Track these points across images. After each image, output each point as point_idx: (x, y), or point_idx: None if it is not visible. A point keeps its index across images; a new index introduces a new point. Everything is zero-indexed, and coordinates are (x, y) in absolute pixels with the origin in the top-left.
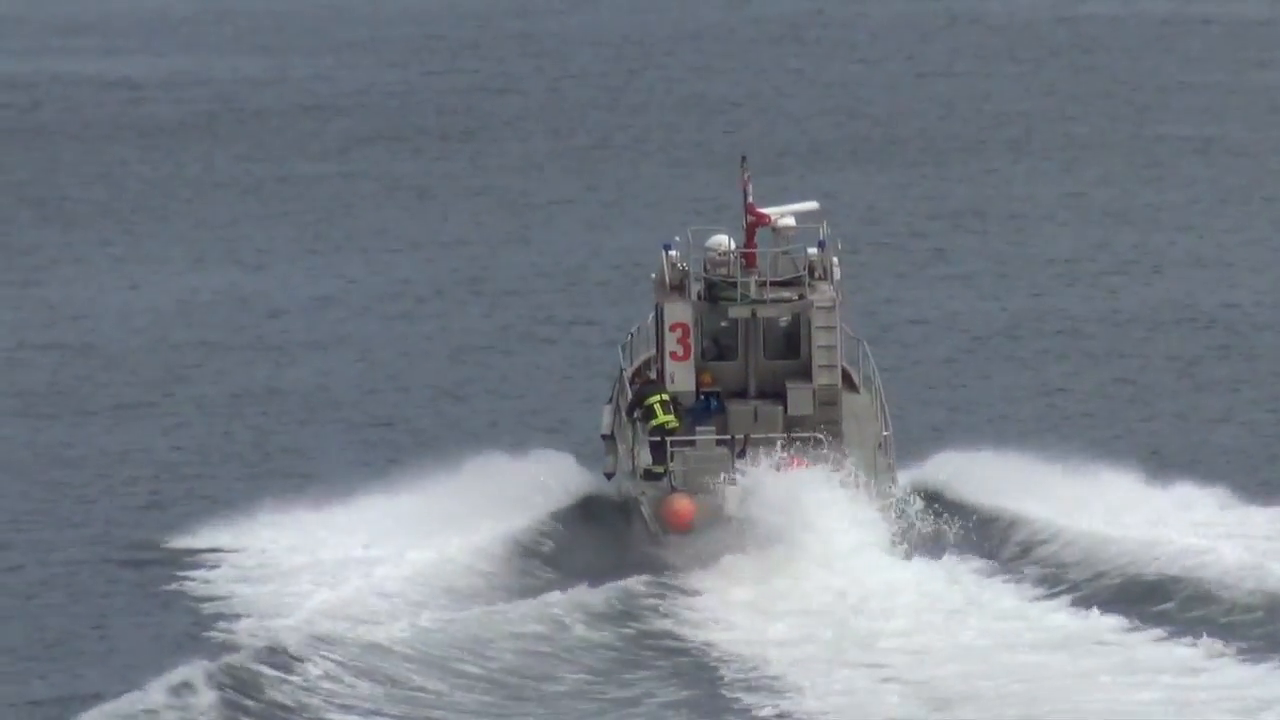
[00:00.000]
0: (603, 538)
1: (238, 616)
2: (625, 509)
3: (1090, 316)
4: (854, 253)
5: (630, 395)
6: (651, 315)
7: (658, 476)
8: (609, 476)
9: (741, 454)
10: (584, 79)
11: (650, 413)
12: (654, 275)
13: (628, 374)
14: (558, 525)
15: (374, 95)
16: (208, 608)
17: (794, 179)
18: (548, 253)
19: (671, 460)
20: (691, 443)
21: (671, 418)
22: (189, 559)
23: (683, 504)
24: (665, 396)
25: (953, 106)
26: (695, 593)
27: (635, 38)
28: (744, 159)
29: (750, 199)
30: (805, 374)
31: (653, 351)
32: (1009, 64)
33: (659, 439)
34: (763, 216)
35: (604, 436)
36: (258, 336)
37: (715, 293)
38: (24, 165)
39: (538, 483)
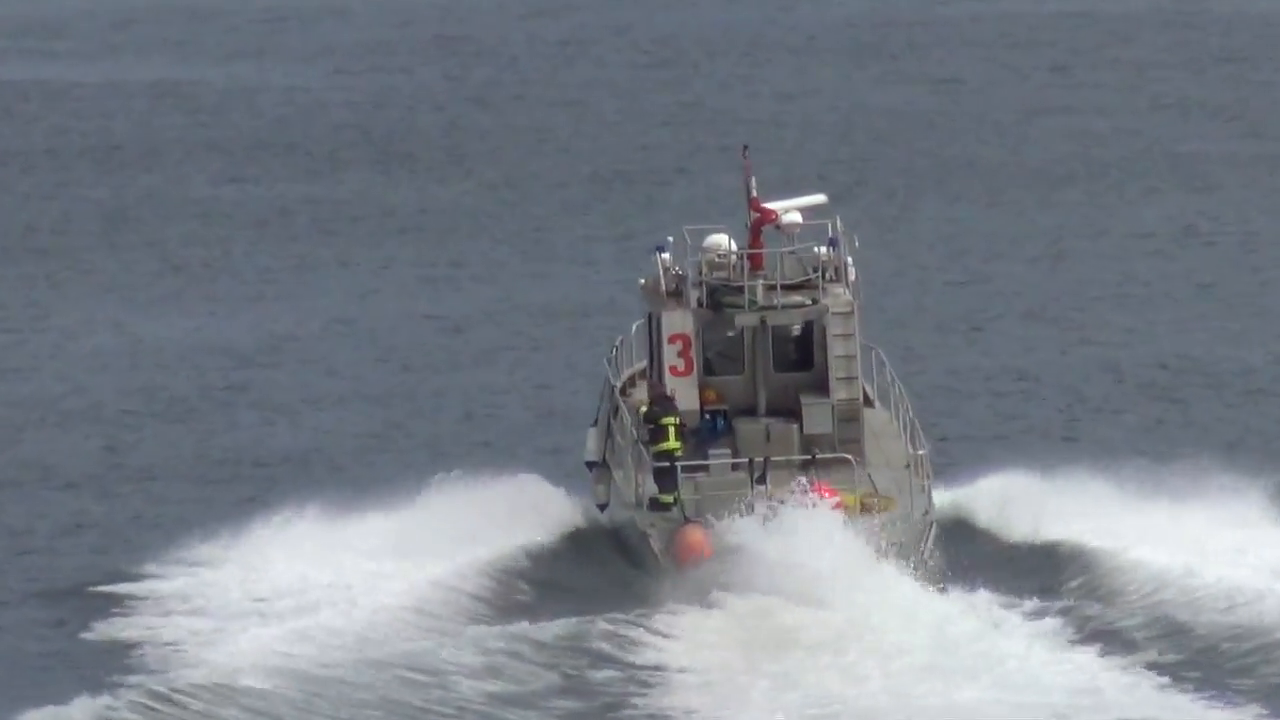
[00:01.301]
0: (597, 574)
1: (176, 647)
2: (623, 542)
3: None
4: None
5: (641, 409)
6: (636, 325)
7: (665, 506)
8: (601, 508)
9: (760, 479)
10: (608, 87)
11: (662, 434)
12: (643, 281)
13: (618, 391)
14: (540, 560)
15: (362, 107)
16: (143, 643)
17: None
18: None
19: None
20: (705, 468)
21: (679, 444)
22: (133, 594)
23: (696, 536)
24: (677, 420)
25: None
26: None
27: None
28: (745, 148)
29: (754, 193)
30: (820, 387)
31: (641, 365)
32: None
33: (666, 464)
34: (768, 213)
35: (590, 463)
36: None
37: (718, 299)
38: None
39: (516, 511)
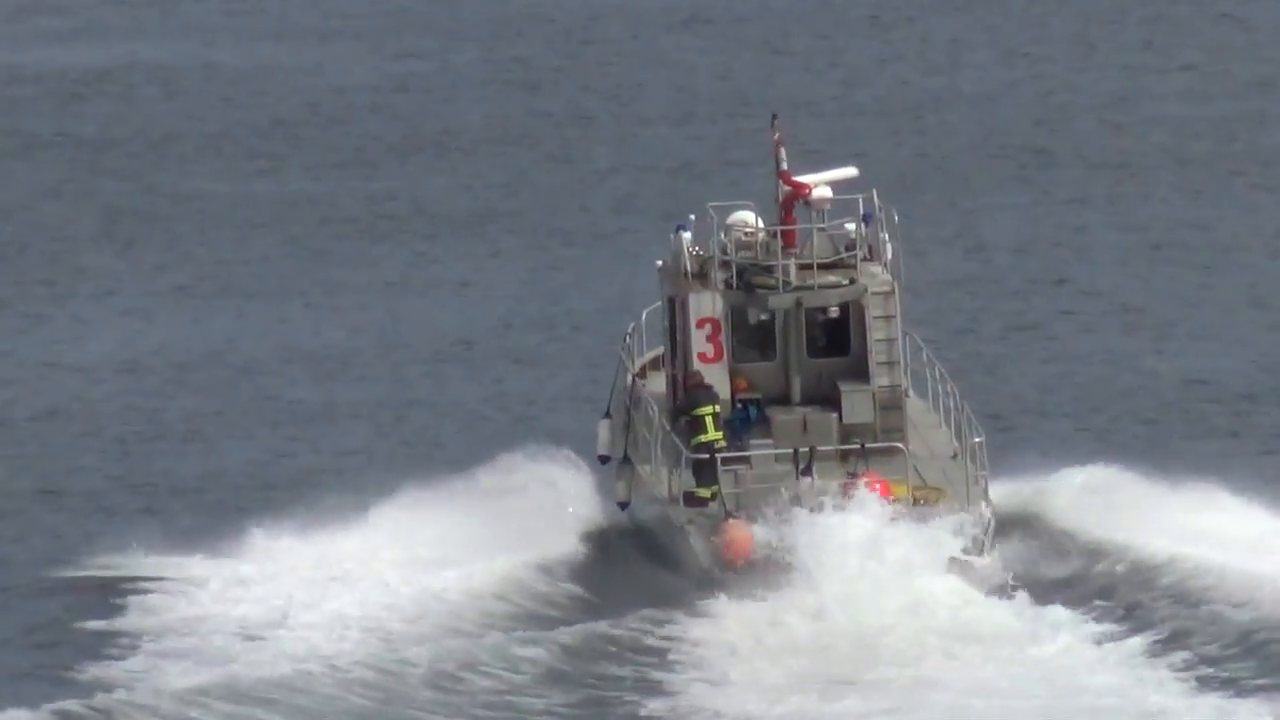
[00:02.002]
0: (624, 579)
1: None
2: (652, 541)
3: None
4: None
5: (676, 398)
6: (647, 311)
7: (702, 501)
8: (622, 506)
9: (806, 471)
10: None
11: (700, 425)
12: (661, 262)
13: (636, 377)
14: (565, 564)
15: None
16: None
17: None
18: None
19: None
20: (745, 459)
21: (720, 434)
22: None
23: (740, 533)
24: (716, 408)
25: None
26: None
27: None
28: (774, 117)
29: (784, 165)
30: (858, 373)
31: (656, 352)
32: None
33: (706, 456)
34: (801, 187)
35: (602, 457)
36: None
37: (748, 279)
38: None
39: (536, 512)
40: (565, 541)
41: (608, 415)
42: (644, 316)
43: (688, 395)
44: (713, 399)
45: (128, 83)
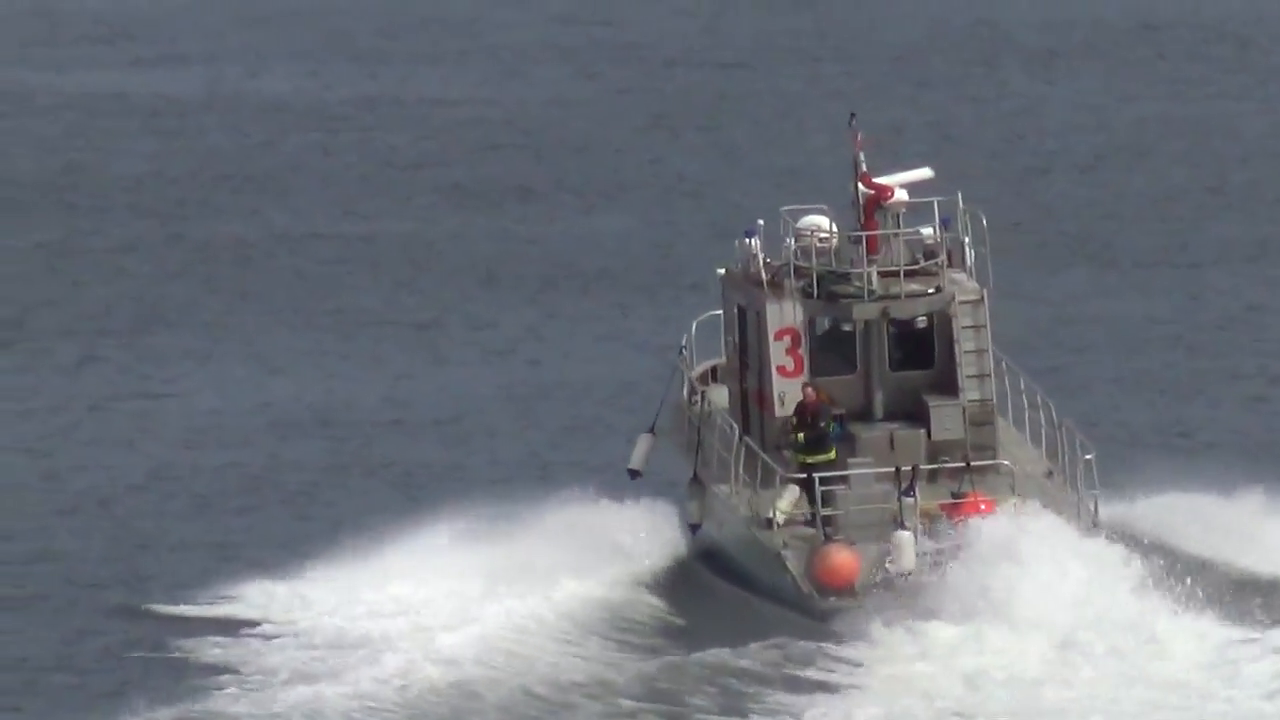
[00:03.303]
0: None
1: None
2: (734, 565)
3: None
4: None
5: (748, 411)
6: (696, 321)
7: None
8: (694, 529)
9: (908, 491)
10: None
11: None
12: (724, 270)
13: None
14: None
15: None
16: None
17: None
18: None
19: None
20: (844, 479)
21: (833, 454)
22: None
23: (843, 556)
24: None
25: None
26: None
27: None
28: (853, 116)
29: (864, 168)
30: (944, 387)
31: (710, 363)
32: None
33: (806, 477)
34: (883, 190)
35: (632, 472)
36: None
37: (829, 288)
38: None
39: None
40: (639, 568)
41: (651, 430)
42: (693, 327)
43: (800, 414)
44: (823, 416)
45: (225, 115)
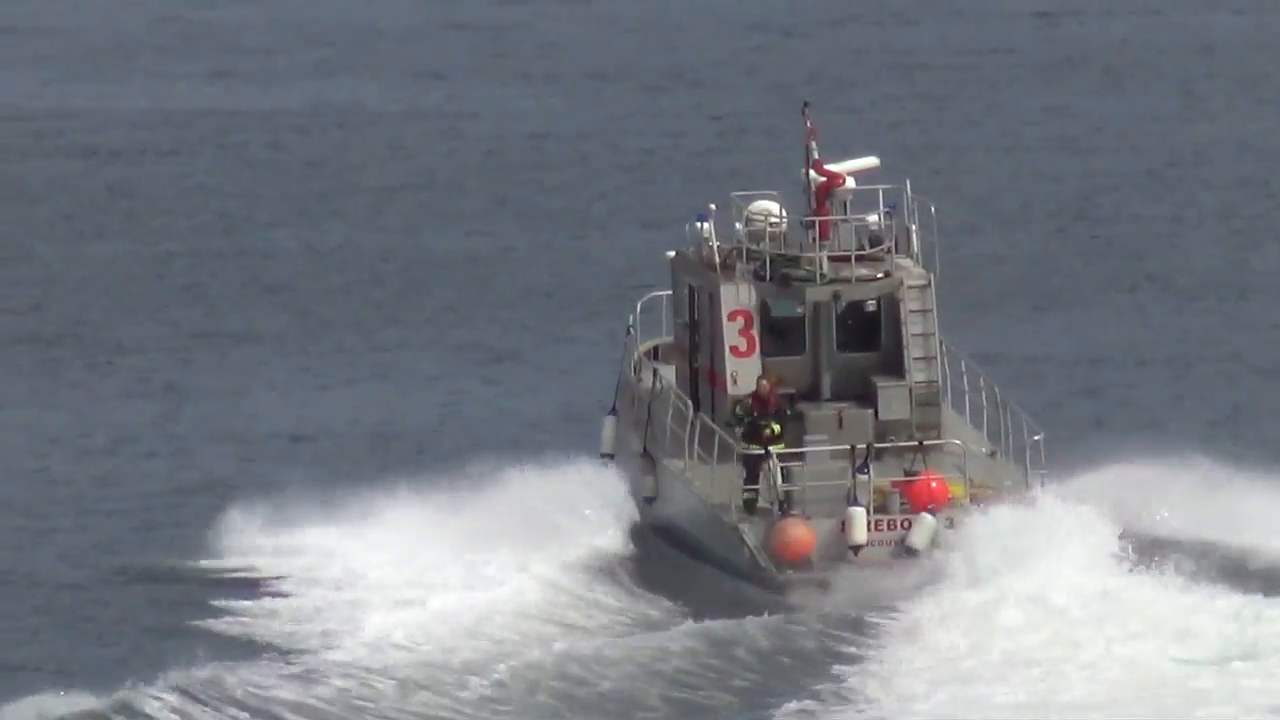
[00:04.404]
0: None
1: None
2: (687, 540)
3: None
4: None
5: (697, 390)
6: (640, 302)
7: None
8: (648, 502)
9: (863, 468)
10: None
11: (757, 432)
12: (674, 253)
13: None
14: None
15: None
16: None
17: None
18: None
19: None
20: (799, 456)
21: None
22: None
23: (799, 531)
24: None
25: None
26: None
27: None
28: (806, 105)
29: (816, 155)
30: (889, 368)
31: (653, 343)
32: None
33: (759, 455)
34: (835, 176)
35: (605, 455)
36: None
37: (781, 271)
38: None
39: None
40: (597, 542)
41: (613, 412)
42: (638, 307)
43: (748, 408)
44: (777, 419)
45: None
